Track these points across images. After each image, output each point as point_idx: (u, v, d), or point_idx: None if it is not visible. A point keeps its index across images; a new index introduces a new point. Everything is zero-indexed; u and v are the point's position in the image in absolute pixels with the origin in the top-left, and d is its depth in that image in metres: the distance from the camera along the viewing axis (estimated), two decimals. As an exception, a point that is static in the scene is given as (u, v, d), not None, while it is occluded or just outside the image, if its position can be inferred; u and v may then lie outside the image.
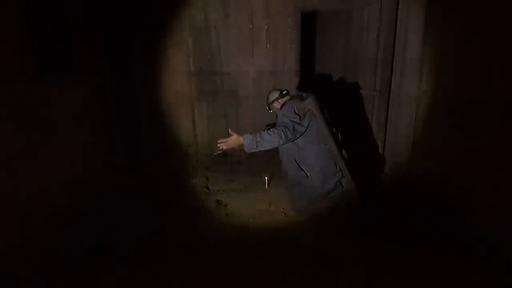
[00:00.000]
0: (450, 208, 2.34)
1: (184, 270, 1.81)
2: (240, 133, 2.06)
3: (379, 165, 3.20)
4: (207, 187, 2.86)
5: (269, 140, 2.01)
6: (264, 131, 2.03)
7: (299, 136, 2.12)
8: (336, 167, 2.21)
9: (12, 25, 1.99)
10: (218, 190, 2.80)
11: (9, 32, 1.95)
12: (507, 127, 1.91)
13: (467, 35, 2.28)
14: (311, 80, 4.57)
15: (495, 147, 2.03)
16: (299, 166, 2.22)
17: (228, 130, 2.10)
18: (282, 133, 2.01)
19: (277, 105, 2.36)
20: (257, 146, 2.01)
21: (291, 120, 2.08)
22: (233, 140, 2.04)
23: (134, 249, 1.99)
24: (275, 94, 2.40)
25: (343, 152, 2.30)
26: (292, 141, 2.13)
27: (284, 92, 2.38)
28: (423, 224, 2.18)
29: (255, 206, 2.50)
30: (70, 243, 2.03)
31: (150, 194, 2.74)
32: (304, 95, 2.28)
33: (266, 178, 2.84)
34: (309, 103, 2.18)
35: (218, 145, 2.06)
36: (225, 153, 3.61)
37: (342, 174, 2.22)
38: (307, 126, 2.12)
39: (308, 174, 2.21)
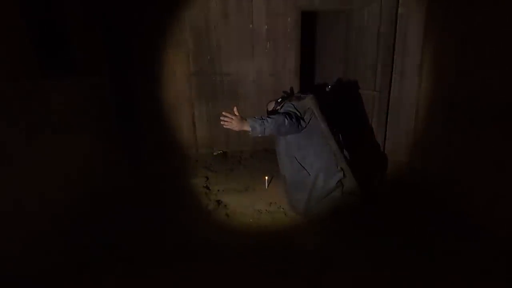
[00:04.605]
0: (450, 207, 2.35)
1: (184, 270, 1.80)
2: (241, 131, 2.00)
3: (379, 165, 3.20)
4: (207, 187, 2.86)
5: (275, 119, 1.95)
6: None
7: (301, 130, 2.10)
8: (337, 167, 2.21)
9: (12, 25, 1.98)
10: (218, 190, 2.80)
11: (9, 32, 1.95)
12: (505, 127, 1.92)
13: (467, 36, 2.29)
14: (311, 80, 4.57)
15: (494, 146, 2.03)
16: (301, 165, 2.22)
17: (234, 108, 1.96)
18: (287, 115, 2.00)
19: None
20: (263, 127, 1.92)
21: (293, 112, 2.09)
22: (238, 120, 1.93)
23: (134, 249, 1.99)
24: (273, 104, 2.47)
25: (345, 152, 2.30)
26: (293, 132, 2.09)
27: (279, 100, 2.43)
28: (423, 224, 2.18)
29: (255, 206, 2.50)
30: (70, 243, 2.03)
31: (150, 194, 2.73)
32: (302, 95, 2.29)
33: (266, 178, 2.84)
34: (308, 102, 2.19)
35: (221, 118, 1.94)
36: (225, 153, 3.61)
37: (344, 174, 2.21)
38: (307, 123, 2.13)
39: (310, 173, 2.20)
